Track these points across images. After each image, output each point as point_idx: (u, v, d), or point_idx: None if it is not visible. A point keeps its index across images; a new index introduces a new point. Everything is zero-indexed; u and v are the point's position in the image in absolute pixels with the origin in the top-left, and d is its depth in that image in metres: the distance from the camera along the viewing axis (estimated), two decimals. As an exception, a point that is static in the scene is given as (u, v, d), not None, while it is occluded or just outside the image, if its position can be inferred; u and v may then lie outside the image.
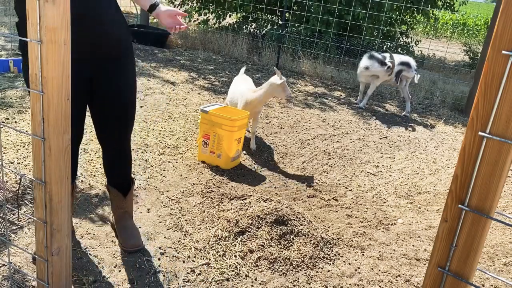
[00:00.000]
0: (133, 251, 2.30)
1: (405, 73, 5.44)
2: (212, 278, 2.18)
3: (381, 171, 3.81)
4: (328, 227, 2.78)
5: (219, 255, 2.35)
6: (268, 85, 3.58)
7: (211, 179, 3.23)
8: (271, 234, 2.50)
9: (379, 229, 2.86)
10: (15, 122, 3.69)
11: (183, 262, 2.28)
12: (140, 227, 2.53)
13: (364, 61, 5.47)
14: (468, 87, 6.72)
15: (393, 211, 3.14)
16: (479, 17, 18.09)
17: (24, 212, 2.50)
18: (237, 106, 3.77)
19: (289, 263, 2.34)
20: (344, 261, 2.46)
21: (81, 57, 1.86)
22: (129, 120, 2.16)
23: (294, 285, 2.22)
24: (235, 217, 2.62)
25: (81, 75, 1.93)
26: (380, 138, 4.66)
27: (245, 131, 3.74)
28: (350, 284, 2.28)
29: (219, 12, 8.84)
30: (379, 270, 2.43)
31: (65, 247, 1.44)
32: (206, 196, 2.95)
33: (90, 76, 1.98)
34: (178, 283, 2.13)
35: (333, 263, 2.43)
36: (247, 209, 2.73)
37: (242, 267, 2.28)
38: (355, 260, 2.49)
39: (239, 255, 2.35)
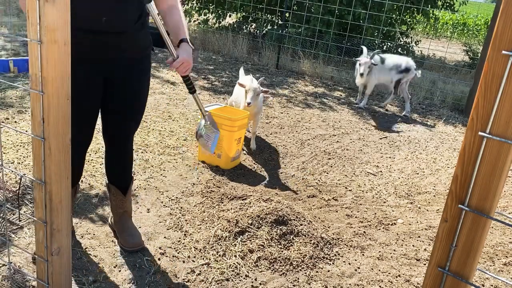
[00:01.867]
0: (134, 250, 2.30)
1: (406, 78, 5.46)
2: (212, 278, 2.18)
3: (381, 171, 3.81)
4: (328, 227, 2.78)
5: (219, 255, 2.35)
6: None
7: (211, 179, 3.23)
8: (271, 234, 2.50)
9: (379, 229, 2.86)
10: (15, 122, 3.69)
11: (183, 262, 2.28)
12: (140, 227, 2.53)
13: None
14: (468, 87, 6.72)
15: (393, 211, 3.14)
16: (479, 17, 18.09)
17: (24, 212, 2.50)
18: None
19: (289, 263, 2.34)
20: (344, 261, 2.46)
21: (98, 57, 1.94)
22: (139, 121, 2.23)
23: (294, 285, 2.22)
24: (235, 217, 2.62)
25: (97, 75, 1.98)
26: (380, 138, 4.66)
27: (245, 131, 3.73)
28: (350, 284, 2.28)
29: (219, 12, 8.84)
30: (379, 270, 2.43)
31: (65, 247, 1.44)
32: (206, 196, 2.95)
33: (105, 77, 2.02)
34: (178, 283, 2.13)
35: (333, 263, 2.43)
36: (247, 209, 2.73)
37: (242, 267, 2.28)
38: (355, 260, 2.49)
39: (239, 255, 2.35)
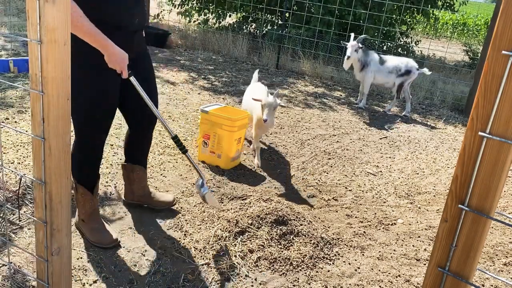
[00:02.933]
0: (173, 204, 2.75)
1: (408, 80, 5.47)
2: (212, 278, 2.18)
3: (381, 171, 3.81)
4: (328, 227, 2.78)
5: (219, 255, 2.35)
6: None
7: (211, 179, 3.23)
8: (271, 234, 2.50)
9: (379, 229, 2.86)
10: (15, 122, 3.69)
11: (183, 262, 2.28)
12: (140, 227, 2.53)
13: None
14: (468, 87, 6.72)
15: (393, 211, 3.14)
16: (479, 17, 18.09)
17: (24, 212, 2.50)
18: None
19: (289, 263, 2.34)
20: (344, 261, 2.46)
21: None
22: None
23: (294, 285, 2.22)
24: (235, 217, 2.62)
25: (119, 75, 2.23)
26: (380, 138, 4.66)
27: (245, 131, 3.73)
28: (350, 284, 2.28)
29: (219, 12, 8.84)
30: (379, 270, 2.43)
31: (65, 247, 1.44)
32: (206, 196, 2.95)
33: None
34: (178, 283, 2.13)
35: (333, 263, 2.43)
36: (247, 209, 2.73)
37: (242, 267, 2.28)
38: (355, 260, 2.49)
39: (239, 255, 2.35)
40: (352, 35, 5.50)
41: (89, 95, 2.14)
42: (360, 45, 5.32)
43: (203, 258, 2.32)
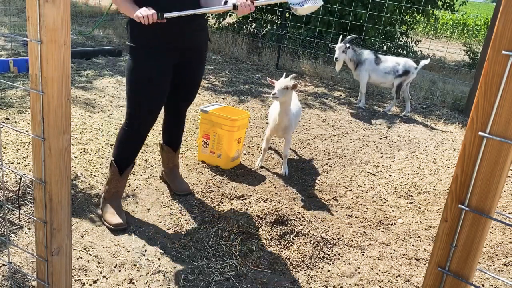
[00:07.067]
0: (184, 194, 2.91)
1: (407, 81, 5.48)
2: (212, 278, 2.18)
3: (381, 171, 3.81)
4: (328, 227, 2.78)
5: (219, 255, 2.35)
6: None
7: (211, 179, 3.23)
8: (271, 234, 2.50)
9: (379, 229, 2.86)
10: (15, 122, 3.69)
11: (183, 262, 2.29)
12: (140, 227, 2.53)
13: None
14: (468, 87, 6.72)
15: (393, 211, 3.14)
16: (479, 17, 18.09)
17: (24, 212, 2.50)
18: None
19: (289, 263, 2.34)
20: (344, 261, 2.46)
21: (174, 47, 2.39)
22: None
23: (294, 285, 2.22)
24: (235, 217, 2.62)
25: (171, 62, 2.42)
26: (380, 138, 4.66)
27: (245, 131, 3.73)
28: (350, 284, 2.28)
29: (219, 12, 8.82)
30: (379, 270, 2.43)
31: (65, 247, 1.44)
32: (206, 196, 2.95)
33: (177, 63, 2.46)
34: (178, 283, 2.13)
35: (333, 263, 2.43)
36: (247, 209, 2.73)
37: (242, 267, 2.28)
38: (355, 260, 2.49)
39: (239, 255, 2.35)
40: (340, 37, 5.54)
41: (140, 76, 2.33)
42: (348, 45, 5.36)
43: (203, 258, 2.32)
